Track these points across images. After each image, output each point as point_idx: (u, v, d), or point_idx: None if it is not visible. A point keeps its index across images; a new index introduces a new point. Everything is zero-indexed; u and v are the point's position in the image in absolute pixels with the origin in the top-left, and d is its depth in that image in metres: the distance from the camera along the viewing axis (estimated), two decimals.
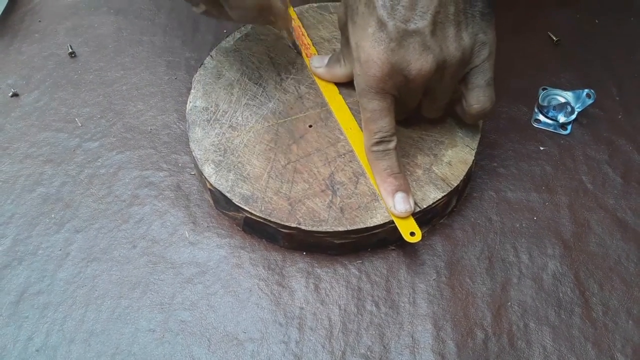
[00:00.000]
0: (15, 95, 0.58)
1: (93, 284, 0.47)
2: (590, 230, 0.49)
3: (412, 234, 0.45)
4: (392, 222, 0.46)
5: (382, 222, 0.45)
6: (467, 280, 0.47)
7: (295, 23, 0.57)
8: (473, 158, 0.49)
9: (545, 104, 0.56)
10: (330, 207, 0.46)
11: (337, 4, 0.48)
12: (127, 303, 0.46)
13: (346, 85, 0.52)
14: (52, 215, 0.50)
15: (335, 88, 0.53)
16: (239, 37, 0.56)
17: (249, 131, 0.50)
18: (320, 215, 0.46)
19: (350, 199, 0.47)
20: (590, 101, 0.54)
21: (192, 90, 0.53)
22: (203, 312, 0.45)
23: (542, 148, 0.54)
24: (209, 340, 0.44)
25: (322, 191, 0.47)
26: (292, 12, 0.58)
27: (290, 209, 0.46)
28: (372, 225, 0.45)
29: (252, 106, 0.52)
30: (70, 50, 0.61)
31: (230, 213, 0.48)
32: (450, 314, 0.45)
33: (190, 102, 0.52)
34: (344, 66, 0.51)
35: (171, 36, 0.62)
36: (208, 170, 0.48)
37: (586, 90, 0.54)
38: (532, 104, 0.57)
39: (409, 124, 0.50)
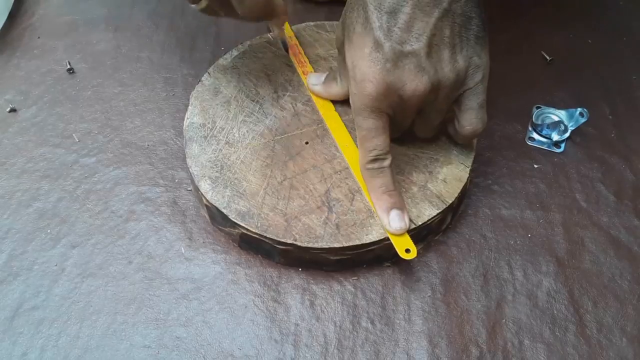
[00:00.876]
0: (13, 110, 0.58)
1: (88, 299, 0.47)
2: (584, 248, 0.50)
3: (408, 250, 0.45)
4: (387, 238, 0.46)
5: (377, 239, 0.46)
6: (462, 297, 0.47)
7: (293, 41, 0.58)
8: (468, 175, 0.49)
9: (539, 122, 0.56)
10: (326, 223, 0.46)
11: (336, 23, 0.49)
12: (123, 319, 0.46)
13: (342, 102, 0.53)
14: (48, 231, 0.50)
15: (331, 105, 0.53)
16: (237, 55, 0.57)
17: (246, 147, 0.51)
18: (316, 232, 0.46)
19: (346, 215, 0.47)
20: (583, 120, 0.55)
21: (189, 107, 0.53)
22: (198, 329, 0.45)
23: (536, 166, 0.54)
24: (204, 357, 0.44)
25: (318, 207, 0.47)
26: (290, 30, 0.59)
27: (286, 225, 0.46)
28: (367, 242, 0.46)
29: (249, 123, 0.52)
30: (68, 66, 0.62)
31: (226, 229, 0.48)
32: (445, 331, 0.45)
33: (187, 118, 0.52)
34: (341, 84, 0.51)
35: (169, 53, 0.63)
36: (204, 186, 0.48)
37: (579, 109, 0.55)
38: (526, 123, 0.57)
39: (404, 141, 0.50)
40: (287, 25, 0.59)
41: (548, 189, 0.53)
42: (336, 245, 0.45)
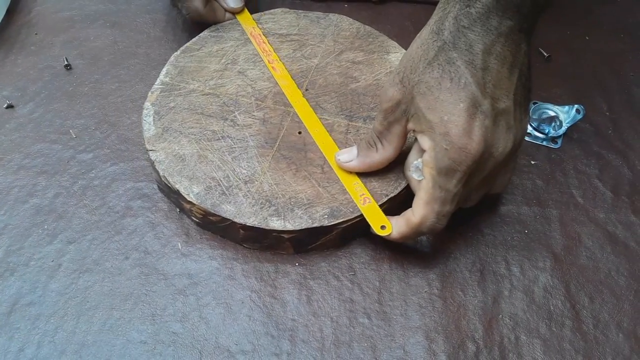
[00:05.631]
0: (10, 106, 0.58)
1: (85, 295, 0.47)
2: (580, 244, 0.50)
3: (383, 227, 0.46)
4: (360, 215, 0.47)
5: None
6: (458, 293, 0.47)
7: (256, 31, 0.58)
8: None
9: (536, 117, 0.56)
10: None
11: (388, 80, 0.44)
12: (119, 314, 0.46)
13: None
14: (45, 227, 0.50)
15: (298, 92, 0.54)
16: (155, 118, 0.52)
17: (265, 173, 0.49)
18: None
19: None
20: (579, 116, 0.55)
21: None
22: (195, 324, 0.45)
23: (533, 162, 0.54)
24: (200, 352, 0.44)
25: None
26: (252, 20, 0.60)
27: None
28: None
29: (241, 158, 0.50)
30: (66, 62, 0.62)
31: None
32: (442, 326, 0.45)
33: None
34: (382, 150, 0.47)
35: (166, 49, 0.63)
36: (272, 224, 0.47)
37: (576, 106, 0.55)
38: None
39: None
40: (248, 16, 0.60)
41: (545, 184, 0.53)
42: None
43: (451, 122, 0.40)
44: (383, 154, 0.47)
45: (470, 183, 0.43)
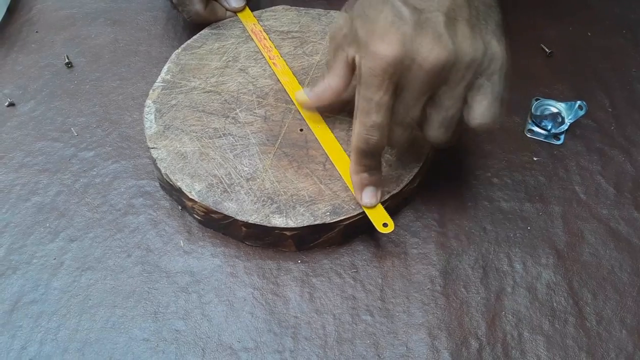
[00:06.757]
0: (11, 104, 0.58)
1: (87, 293, 0.47)
2: (583, 240, 0.50)
3: (385, 225, 0.46)
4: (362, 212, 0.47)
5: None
6: (461, 290, 0.47)
7: (257, 27, 0.58)
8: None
9: (538, 113, 0.56)
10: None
11: (337, 14, 0.48)
12: (121, 312, 0.46)
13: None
14: (47, 224, 0.50)
15: (299, 88, 0.53)
16: (157, 115, 0.53)
17: (267, 170, 0.49)
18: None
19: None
20: (582, 113, 0.54)
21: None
22: (197, 321, 0.45)
23: (535, 158, 0.54)
24: (203, 350, 0.44)
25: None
26: (252, 17, 0.59)
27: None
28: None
29: (242, 155, 0.50)
30: (67, 60, 0.61)
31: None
32: (445, 323, 0.45)
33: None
34: (329, 78, 0.48)
35: (168, 46, 0.63)
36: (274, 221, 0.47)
37: (578, 102, 0.55)
38: (525, 115, 0.57)
39: None
40: (249, 13, 0.60)
41: (547, 181, 0.53)
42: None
43: (369, 31, 0.42)
44: (329, 82, 0.48)
45: (404, 98, 0.42)
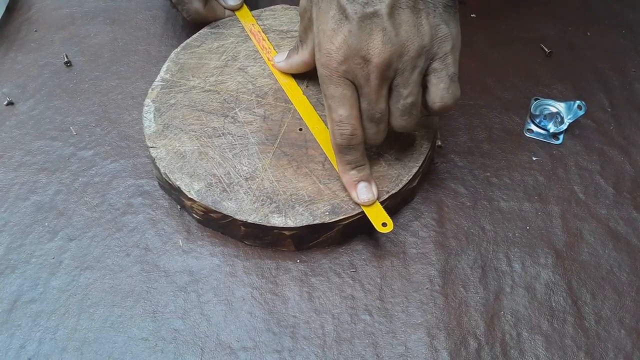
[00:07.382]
0: (10, 103, 0.58)
1: (86, 292, 0.47)
2: (582, 240, 0.50)
3: (384, 224, 0.46)
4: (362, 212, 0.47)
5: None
6: (460, 289, 0.47)
7: (255, 28, 0.58)
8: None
9: (537, 113, 0.56)
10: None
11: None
12: (120, 311, 0.46)
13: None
14: (46, 224, 0.50)
15: (298, 89, 0.53)
16: (155, 115, 0.52)
17: (266, 170, 0.49)
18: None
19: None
20: (581, 112, 0.54)
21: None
22: (196, 321, 0.45)
23: (534, 158, 0.54)
24: (201, 349, 0.44)
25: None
26: (251, 17, 0.59)
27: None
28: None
29: (241, 154, 0.50)
30: (66, 59, 0.61)
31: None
32: (444, 323, 0.45)
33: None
34: (301, 51, 0.51)
35: (167, 45, 0.63)
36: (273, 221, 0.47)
37: (577, 102, 0.55)
38: (524, 115, 0.57)
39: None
40: (248, 13, 0.60)
41: (546, 181, 0.53)
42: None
43: (321, 30, 0.43)
44: (301, 55, 0.51)
45: (365, 93, 0.43)
